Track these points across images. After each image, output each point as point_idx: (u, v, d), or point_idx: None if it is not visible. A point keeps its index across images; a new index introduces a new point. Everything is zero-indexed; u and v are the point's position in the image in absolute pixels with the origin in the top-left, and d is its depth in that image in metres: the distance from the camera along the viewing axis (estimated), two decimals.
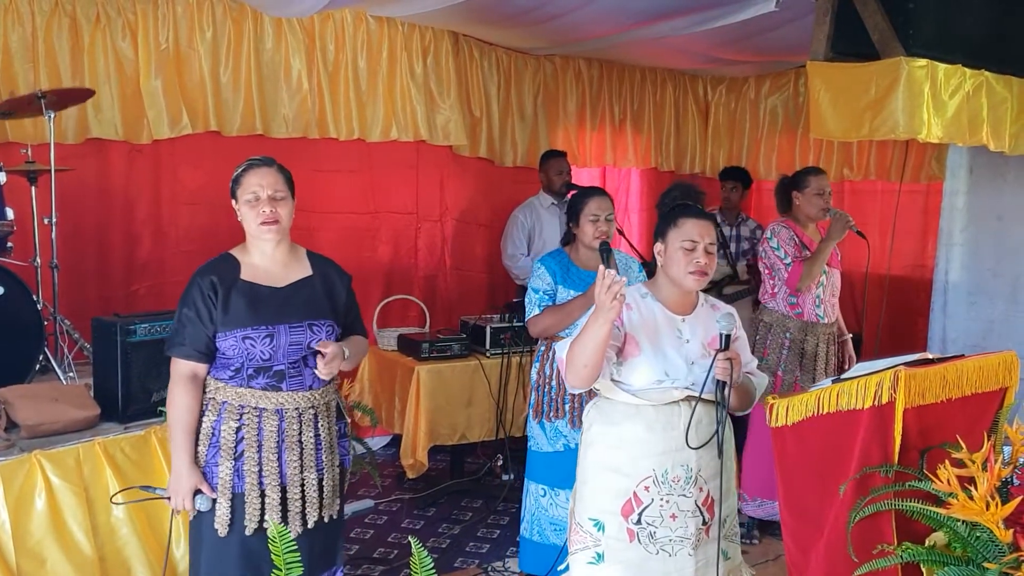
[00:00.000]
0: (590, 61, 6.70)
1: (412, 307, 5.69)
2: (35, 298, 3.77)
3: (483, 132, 6.18)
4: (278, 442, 2.63)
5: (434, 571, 1.57)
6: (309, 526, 2.69)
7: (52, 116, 3.99)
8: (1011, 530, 2.02)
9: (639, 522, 2.62)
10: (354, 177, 5.66)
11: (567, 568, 2.82)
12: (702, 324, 2.71)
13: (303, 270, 2.76)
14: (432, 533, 4.50)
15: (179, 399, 2.62)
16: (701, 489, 2.64)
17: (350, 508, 4.72)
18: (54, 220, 4.05)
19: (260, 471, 2.61)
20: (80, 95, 4.24)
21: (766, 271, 4.35)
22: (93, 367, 3.60)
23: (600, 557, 2.68)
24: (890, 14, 4.06)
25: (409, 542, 1.57)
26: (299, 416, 2.66)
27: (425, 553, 1.60)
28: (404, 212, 5.93)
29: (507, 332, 4.85)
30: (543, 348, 3.80)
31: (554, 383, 3.72)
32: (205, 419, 2.64)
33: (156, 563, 3.22)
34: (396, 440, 5.02)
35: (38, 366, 3.68)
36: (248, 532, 2.60)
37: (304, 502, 2.68)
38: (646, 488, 2.62)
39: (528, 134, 6.40)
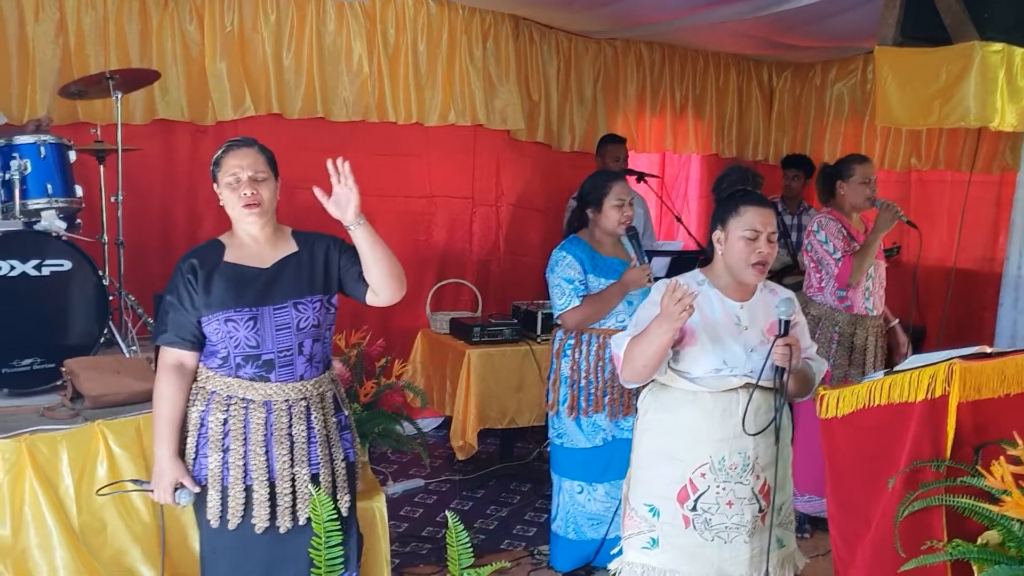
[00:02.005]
0: (652, 45, 6.62)
1: (465, 291, 5.73)
2: (101, 273, 3.87)
3: (541, 116, 6.17)
4: (266, 435, 2.53)
5: (470, 545, 1.58)
6: (300, 523, 2.56)
7: (120, 97, 4.09)
8: None
9: (695, 509, 2.62)
10: (411, 161, 5.70)
11: (620, 552, 2.82)
12: (761, 310, 2.68)
13: (288, 248, 2.64)
14: (480, 515, 4.54)
15: (162, 389, 2.54)
16: (758, 477, 2.62)
17: (401, 487, 4.80)
18: (120, 198, 4.16)
19: (246, 465, 2.52)
20: (146, 76, 4.35)
21: (812, 264, 4.23)
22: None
23: (655, 542, 2.68)
24: None
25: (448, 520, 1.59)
26: (289, 408, 2.55)
27: (462, 529, 1.61)
28: (460, 196, 5.95)
29: None
30: (572, 341, 3.67)
31: (591, 377, 3.63)
32: (194, 409, 2.56)
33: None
34: (447, 422, 5.07)
35: (103, 339, 3.78)
36: (231, 527, 2.53)
37: (295, 498, 2.56)
38: (702, 475, 2.61)
39: (587, 118, 6.37)
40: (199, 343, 2.55)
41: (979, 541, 2.17)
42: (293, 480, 2.55)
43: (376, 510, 3.23)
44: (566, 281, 3.60)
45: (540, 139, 6.18)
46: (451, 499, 4.74)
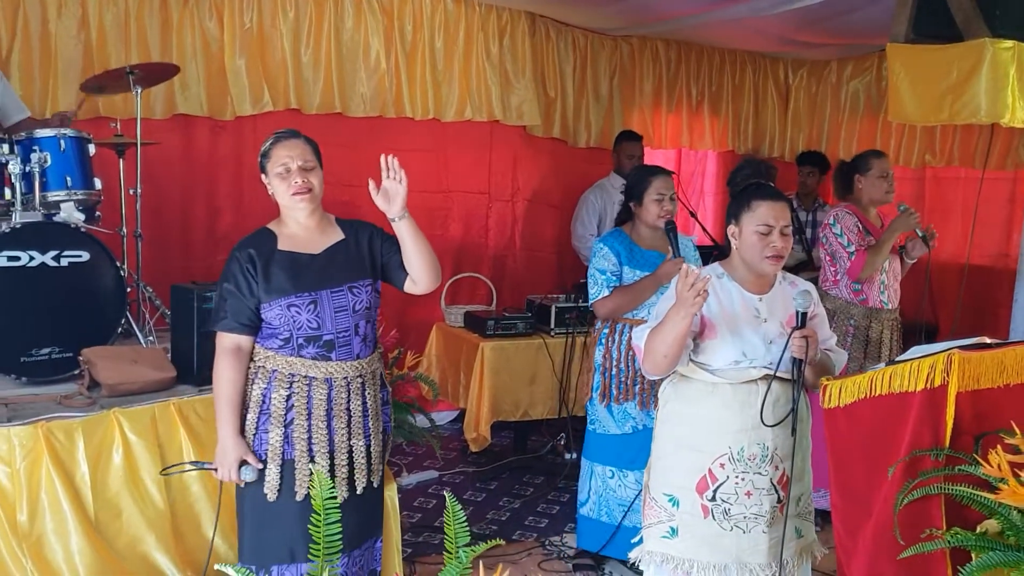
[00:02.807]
0: (668, 42, 6.64)
1: (480, 285, 5.77)
2: (119, 265, 3.94)
3: (557, 113, 6.20)
4: (327, 410, 2.67)
5: (466, 524, 1.62)
6: (358, 491, 2.74)
7: (139, 92, 4.17)
8: None
9: (714, 499, 2.66)
10: (428, 156, 5.75)
11: (640, 541, 2.87)
12: (780, 302, 2.71)
13: (336, 235, 2.79)
14: (493, 506, 4.58)
15: (224, 372, 2.67)
16: (777, 467, 2.65)
17: (414, 478, 4.84)
18: (139, 191, 4.24)
19: (309, 438, 2.65)
20: (166, 71, 4.42)
21: (827, 257, 4.26)
22: (171, 332, 3.75)
23: (674, 532, 2.73)
24: None
25: (469, 514, 1.62)
26: (347, 385, 2.70)
27: (459, 507, 1.65)
28: (476, 192, 6.00)
29: (572, 312, 4.87)
30: (606, 330, 3.75)
31: (622, 366, 3.70)
32: (255, 387, 2.68)
33: (225, 520, 3.36)
34: (462, 414, 5.11)
35: (120, 329, 3.84)
36: (298, 498, 2.65)
37: (352, 468, 2.73)
38: (721, 465, 2.65)
39: (603, 115, 6.39)
40: (256, 327, 2.68)
41: (978, 530, 2.19)
42: (350, 451, 2.71)
43: (389, 500, 3.26)
44: (599, 272, 3.69)
45: (556, 135, 6.22)
46: (464, 491, 4.78)
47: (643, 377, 3.66)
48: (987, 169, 5.63)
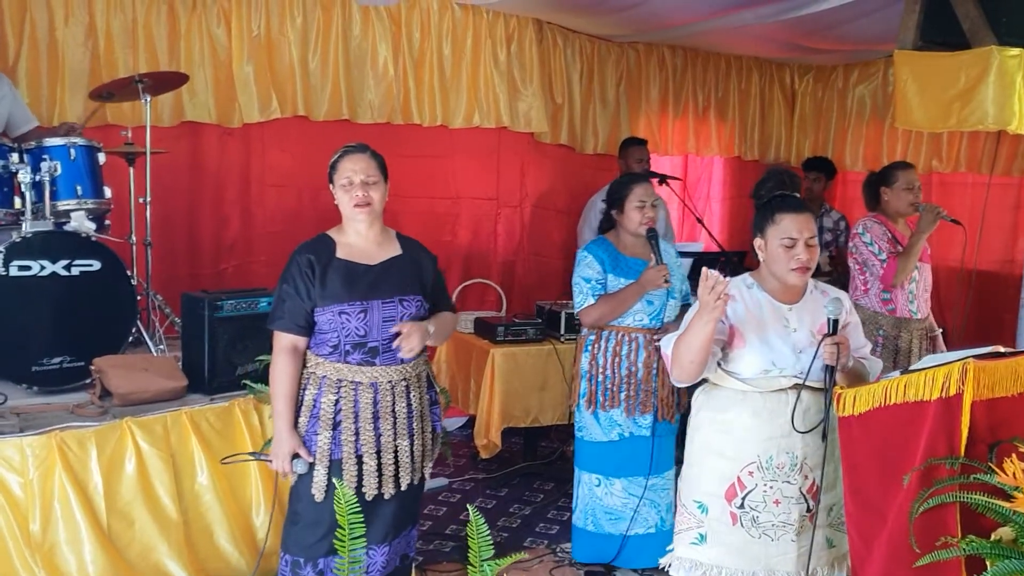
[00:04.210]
0: (674, 49, 6.65)
1: (490, 291, 5.78)
2: (130, 273, 3.96)
3: (564, 119, 6.21)
4: (373, 412, 2.79)
5: (491, 538, 1.62)
6: (403, 488, 2.86)
7: (148, 100, 4.18)
8: None
9: (742, 506, 2.69)
10: (436, 163, 5.76)
11: (672, 549, 2.90)
12: (810, 312, 2.73)
13: (394, 249, 2.93)
14: (503, 513, 4.58)
15: (280, 369, 2.80)
16: (806, 477, 2.68)
17: (426, 485, 4.84)
18: (148, 200, 4.25)
19: (356, 439, 2.78)
20: (175, 80, 4.43)
21: (857, 267, 4.26)
22: (182, 340, 3.78)
23: (703, 538, 2.76)
24: (982, 2, 3.96)
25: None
26: (392, 388, 2.82)
27: (483, 521, 1.66)
28: (484, 198, 6.01)
29: None
30: (592, 337, 3.76)
31: (608, 372, 3.70)
32: (307, 393, 2.81)
33: (237, 528, 3.37)
34: (471, 421, 5.11)
35: (131, 338, 3.86)
36: None
37: (398, 467, 2.83)
38: (750, 473, 2.68)
39: (610, 121, 6.41)
40: (310, 329, 2.81)
41: (992, 537, 2.19)
42: (396, 451, 2.83)
43: None
44: (584, 280, 3.69)
45: (564, 141, 6.23)
46: (475, 498, 4.78)
47: (629, 384, 3.69)
48: (993, 175, 5.64)
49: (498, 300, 5.57)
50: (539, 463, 5.22)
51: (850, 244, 4.33)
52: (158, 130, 4.55)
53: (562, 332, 4.91)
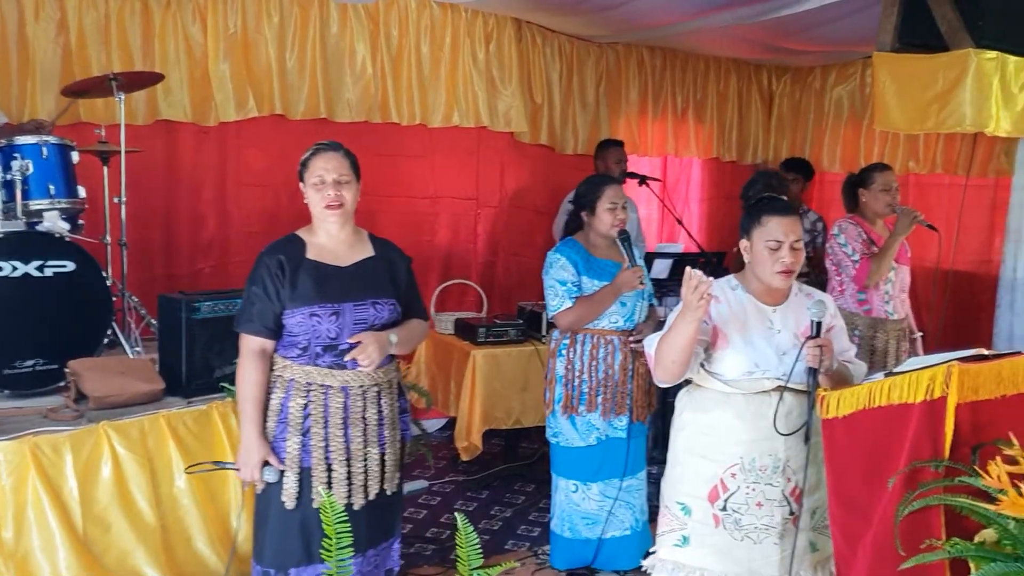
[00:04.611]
0: (653, 50, 6.66)
1: (470, 292, 5.76)
2: (104, 274, 3.89)
3: (544, 119, 6.20)
4: (343, 418, 2.73)
5: (480, 547, 1.60)
6: (371, 498, 2.79)
7: (123, 98, 4.12)
8: None
9: (725, 508, 2.69)
10: (415, 162, 5.74)
11: (655, 550, 2.89)
12: (794, 314, 2.74)
13: (366, 251, 2.86)
14: (484, 515, 4.56)
15: (248, 374, 2.72)
16: (789, 479, 2.68)
17: (405, 488, 4.79)
18: (123, 199, 4.19)
19: (326, 446, 2.71)
20: (150, 78, 4.38)
21: (833, 268, 4.28)
22: (158, 342, 3.72)
23: (686, 540, 2.76)
24: (959, 5, 3.98)
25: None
26: (363, 393, 2.76)
27: (472, 529, 1.64)
28: (464, 198, 5.99)
29: None
30: (567, 341, 3.72)
31: (585, 376, 3.67)
32: (274, 396, 2.74)
33: (215, 533, 3.33)
34: (451, 423, 5.08)
35: (106, 340, 3.80)
36: (316, 505, 2.68)
37: (367, 476, 2.77)
38: (732, 475, 2.68)
39: (589, 122, 6.41)
40: (279, 331, 2.73)
41: (976, 539, 2.20)
42: (365, 459, 2.77)
43: None
44: (559, 283, 3.65)
45: (543, 141, 6.22)
46: (455, 500, 4.76)
47: (606, 387, 3.67)
48: (970, 176, 5.70)
49: (478, 301, 5.55)
50: (520, 464, 5.20)
51: (827, 245, 4.36)
52: (133, 128, 4.48)
53: (543, 333, 4.89)
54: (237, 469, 2.77)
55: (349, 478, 2.74)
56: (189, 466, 3.14)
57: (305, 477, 2.71)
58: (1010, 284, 5.51)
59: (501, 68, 5.85)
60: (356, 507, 2.75)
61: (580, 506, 3.76)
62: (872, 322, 4.18)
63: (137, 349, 3.97)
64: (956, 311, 5.57)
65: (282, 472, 2.71)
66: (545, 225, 6.25)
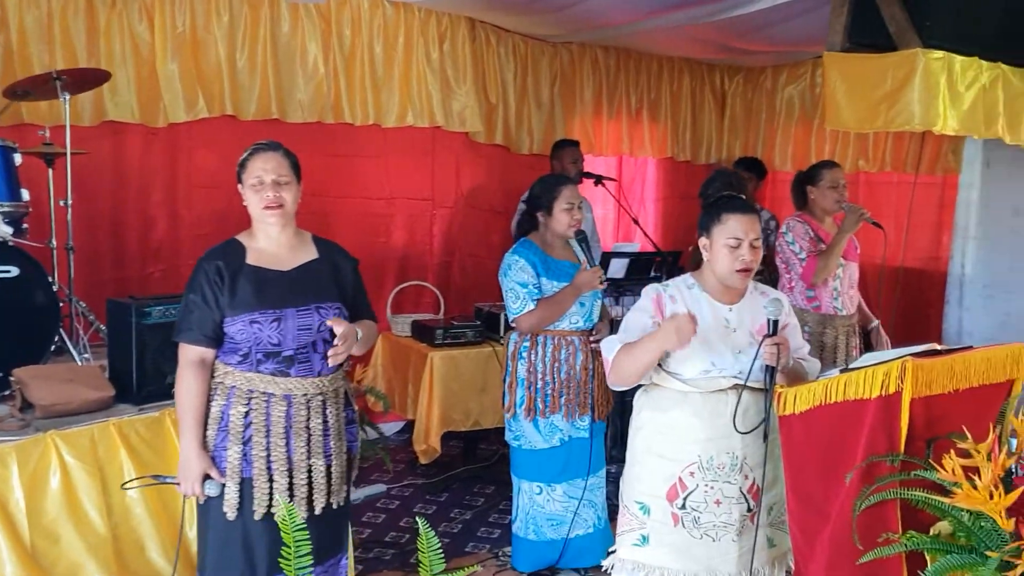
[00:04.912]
0: (607, 49, 6.68)
1: (427, 293, 5.72)
2: (50, 280, 3.80)
3: (499, 119, 6.19)
4: (286, 427, 2.64)
5: (441, 551, 1.58)
6: (316, 512, 2.71)
7: (68, 98, 4.01)
8: (1013, 519, 2.03)
9: (684, 507, 2.70)
10: (369, 162, 5.68)
11: (614, 550, 2.89)
12: (749, 312, 2.76)
13: (309, 253, 2.78)
14: (444, 518, 4.53)
15: (188, 384, 2.64)
16: (746, 477, 2.70)
17: (362, 492, 4.76)
18: (70, 202, 4.08)
19: (268, 456, 2.63)
20: (96, 77, 4.26)
21: (782, 266, 4.33)
22: (108, 349, 3.63)
23: (645, 539, 2.76)
24: (907, 5, 4.04)
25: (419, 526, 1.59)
26: (307, 402, 2.67)
27: (433, 534, 1.62)
28: (419, 198, 5.95)
29: None
30: (527, 343, 3.71)
31: (548, 378, 3.67)
32: (214, 404, 2.66)
33: (169, 543, 3.25)
34: (409, 426, 5.05)
35: (53, 347, 3.71)
36: (257, 517, 2.63)
37: (311, 488, 2.69)
38: (691, 474, 2.69)
39: (544, 121, 6.41)
40: (219, 340, 2.65)
41: (931, 532, 2.23)
42: (309, 471, 2.67)
43: None
44: (520, 285, 3.63)
45: (499, 141, 6.20)
46: (414, 504, 4.72)
47: (569, 388, 3.68)
48: (919, 174, 5.80)
49: (435, 302, 5.52)
50: (479, 466, 5.18)
51: (776, 244, 4.41)
52: (78, 130, 4.36)
53: (501, 334, 4.88)
54: (177, 483, 2.68)
55: (291, 490, 2.65)
56: (125, 482, 3.03)
57: (246, 488, 2.63)
58: (958, 280, 5.63)
59: (455, 68, 5.83)
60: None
61: (545, 508, 3.75)
62: (821, 318, 4.24)
63: (86, 356, 3.88)
64: (906, 307, 5.66)
65: (223, 485, 2.63)
66: (501, 225, 6.24)
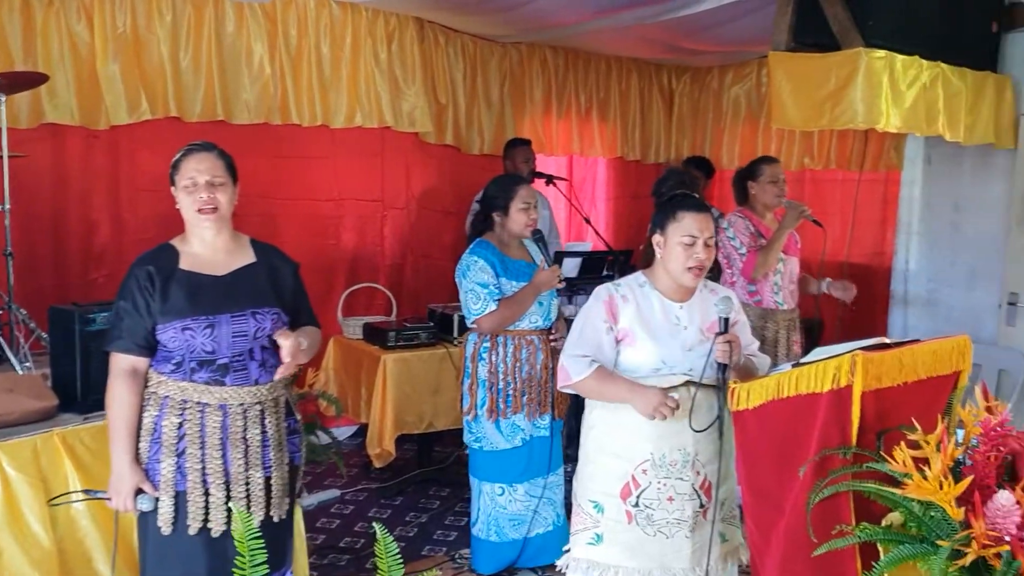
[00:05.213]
0: (556, 49, 6.69)
1: (378, 295, 5.67)
2: None
3: (449, 119, 6.15)
4: (222, 439, 2.56)
5: (400, 557, 1.56)
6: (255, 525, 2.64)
7: (3, 100, 3.90)
8: (963, 508, 2.06)
9: (637, 504, 2.71)
10: (318, 164, 5.61)
11: (568, 549, 2.89)
12: (700, 310, 2.77)
13: (246, 257, 2.69)
14: (399, 522, 4.49)
15: (119, 395, 2.54)
16: (698, 473, 2.72)
17: (316, 498, 4.70)
18: (7, 207, 3.96)
19: (203, 469, 2.54)
20: (33, 79, 4.15)
21: (724, 261, 4.39)
22: (50, 357, 3.53)
23: (599, 538, 2.77)
24: (850, 5, 4.11)
25: (376, 531, 1.56)
26: (244, 412, 2.58)
27: (391, 539, 1.59)
28: (369, 199, 5.89)
29: None
30: (487, 344, 3.70)
31: (510, 379, 3.67)
32: (146, 414, 2.57)
33: (118, 553, 3.18)
34: (362, 429, 5.00)
35: None
36: (192, 532, 2.55)
37: (249, 501, 2.60)
38: (644, 471, 2.71)
39: (494, 121, 6.39)
40: (152, 348, 2.56)
41: (883, 522, 2.26)
42: (247, 483, 2.59)
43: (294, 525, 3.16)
44: (480, 286, 3.62)
45: (449, 142, 6.17)
46: (368, 508, 4.68)
47: (530, 388, 3.69)
48: (863, 171, 5.91)
49: (387, 304, 5.47)
50: (434, 469, 5.16)
51: (717, 239, 4.45)
52: (15, 132, 4.24)
53: (455, 335, 4.86)
54: (108, 498, 2.58)
55: (228, 503, 2.56)
56: (52, 498, 2.91)
57: (181, 502, 2.54)
58: (902, 275, 5.74)
59: (404, 68, 5.78)
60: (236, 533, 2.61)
61: (507, 508, 3.74)
62: (763, 313, 4.30)
63: (27, 364, 3.76)
64: (852, 303, 5.77)
65: (157, 499, 2.55)
66: (453, 225, 6.22)
